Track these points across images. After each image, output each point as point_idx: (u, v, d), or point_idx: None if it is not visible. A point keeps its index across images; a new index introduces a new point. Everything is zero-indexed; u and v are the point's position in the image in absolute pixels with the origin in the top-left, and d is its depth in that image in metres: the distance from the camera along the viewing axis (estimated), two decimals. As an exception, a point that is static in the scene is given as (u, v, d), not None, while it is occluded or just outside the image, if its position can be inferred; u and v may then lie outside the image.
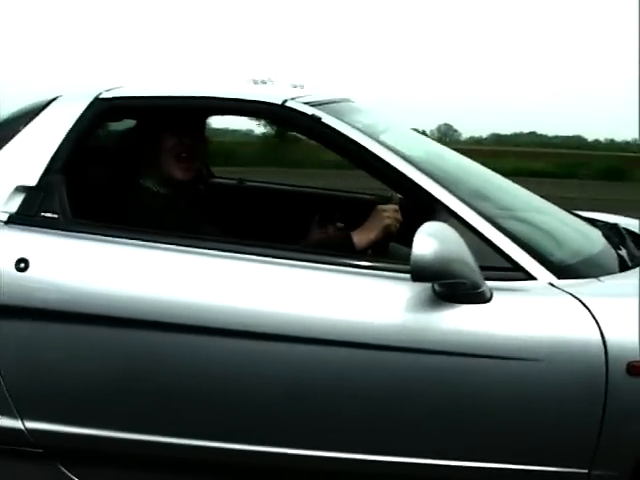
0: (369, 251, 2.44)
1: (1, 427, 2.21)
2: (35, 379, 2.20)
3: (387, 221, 2.36)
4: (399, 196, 2.51)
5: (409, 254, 2.42)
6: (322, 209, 2.94)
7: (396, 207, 2.39)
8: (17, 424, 2.21)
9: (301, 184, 3.39)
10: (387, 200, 2.55)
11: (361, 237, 2.35)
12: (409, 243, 2.58)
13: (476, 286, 2.00)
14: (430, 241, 1.94)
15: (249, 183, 3.27)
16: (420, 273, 1.94)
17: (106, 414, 2.18)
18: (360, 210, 2.97)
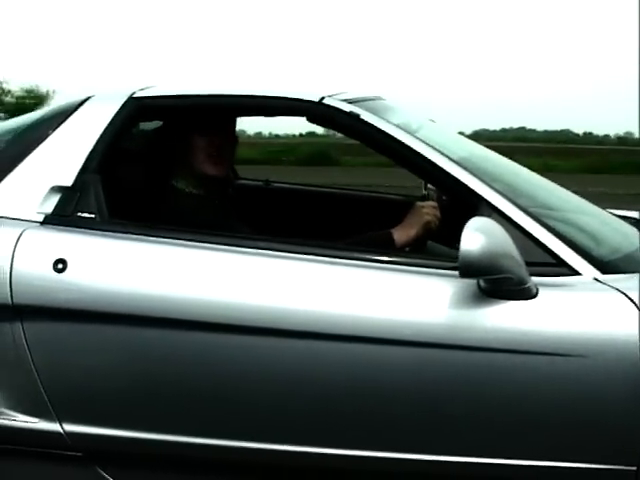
0: (407, 249, 2.42)
1: (40, 430, 2.18)
2: (73, 381, 2.18)
3: (427, 217, 2.33)
4: (434, 194, 2.50)
5: (447, 252, 2.41)
6: (354, 211, 2.93)
7: (435, 204, 2.37)
8: (56, 427, 2.18)
9: (324, 184, 3.37)
10: (422, 199, 2.53)
11: (401, 234, 2.32)
12: (446, 242, 2.58)
13: (522, 282, 1.98)
14: (478, 236, 1.91)
15: (275, 184, 3.25)
16: (468, 269, 1.92)
17: (146, 416, 2.16)
18: (392, 211, 2.97)
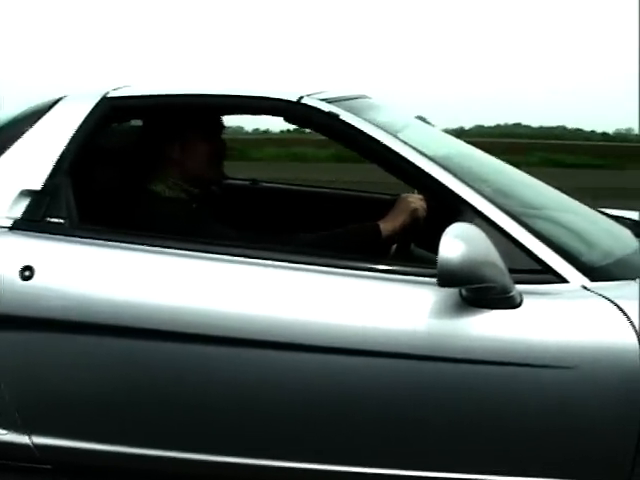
0: (392, 251, 2.34)
1: (8, 443, 2.12)
2: (41, 392, 2.11)
3: (413, 205, 2.26)
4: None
5: (432, 258, 2.32)
6: (340, 209, 2.85)
7: (421, 196, 2.29)
8: (24, 439, 2.12)
9: (314, 183, 3.29)
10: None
11: (388, 224, 2.25)
12: (430, 247, 2.49)
13: (506, 290, 1.90)
14: (458, 244, 1.83)
15: (263, 184, 3.17)
16: (448, 278, 1.83)
17: (116, 428, 2.09)
18: (382, 210, 2.89)
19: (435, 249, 2.51)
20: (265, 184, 3.18)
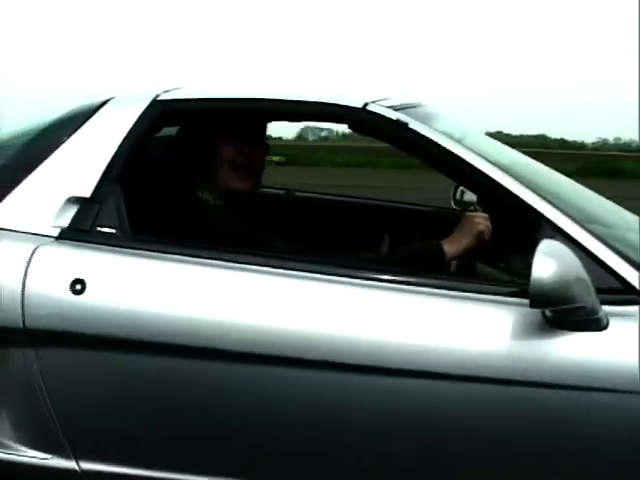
0: (452, 269, 2.23)
1: (53, 467, 1.98)
2: (91, 415, 1.97)
3: (480, 227, 2.14)
4: (478, 208, 2.31)
5: (497, 275, 2.21)
6: (391, 224, 2.74)
7: (486, 215, 2.18)
8: (71, 464, 1.98)
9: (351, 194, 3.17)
10: (466, 211, 2.33)
11: (452, 245, 2.13)
12: (494, 263, 2.39)
13: (594, 311, 1.80)
14: (550, 262, 1.73)
15: (298, 193, 3.05)
16: (541, 298, 1.73)
17: (171, 455, 1.95)
18: (422, 222, 2.77)
19: (494, 264, 2.43)
20: (300, 193, 3.07)
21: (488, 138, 2.59)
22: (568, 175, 2.64)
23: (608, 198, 2.63)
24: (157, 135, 2.30)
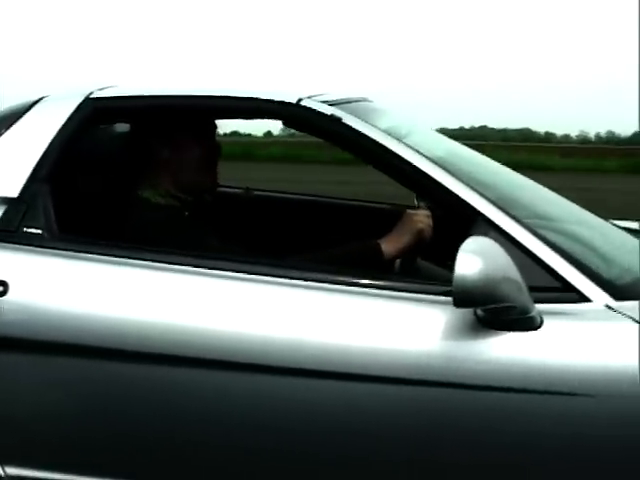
0: (396, 267, 2.18)
1: None
2: (13, 419, 1.92)
3: (420, 225, 2.09)
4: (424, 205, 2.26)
5: (439, 272, 2.16)
6: (338, 219, 2.70)
7: (428, 212, 2.13)
8: None
9: (309, 192, 3.13)
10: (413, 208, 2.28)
11: (390, 244, 2.08)
12: (436, 259, 2.33)
13: (526, 310, 1.74)
14: (475, 260, 1.67)
15: (256, 192, 3.01)
16: (464, 297, 1.67)
17: (94, 459, 1.91)
18: (381, 221, 2.72)
19: (441, 261, 2.37)
20: (259, 192, 3.02)
21: (437, 135, 2.54)
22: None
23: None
24: (95, 133, 2.27)
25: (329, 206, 2.96)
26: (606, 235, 2.38)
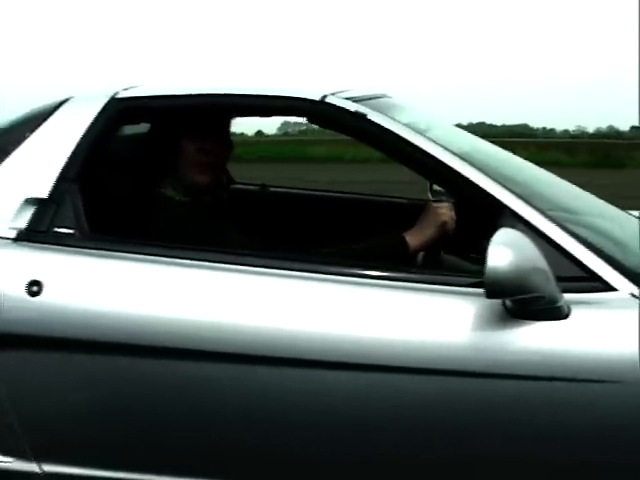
0: (419, 260, 2.21)
1: (15, 471, 1.96)
2: (52, 417, 1.95)
3: (444, 218, 2.12)
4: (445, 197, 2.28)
5: (462, 265, 2.18)
6: (355, 215, 2.72)
7: (450, 205, 2.15)
8: (33, 467, 1.96)
9: (322, 188, 3.15)
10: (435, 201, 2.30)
11: (415, 237, 2.10)
12: (457, 251, 2.36)
13: (554, 300, 1.77)
14: (506, 251, 1.70)
15: (272, 188, 3.03)
16: (496, 288, 1.70)
17: (134, 456, 1.94)
18: (398, 215, 2.75)
19: (462, 254, 2.40)
20: (274, 189, 3.04)
21: (456, 129, 2.57)
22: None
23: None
24: (120, 133, 2.29)
25: (344, 201, 2.98)
26: (624, 225, 2.42)
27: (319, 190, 3.07)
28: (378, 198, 2.98)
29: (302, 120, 2.24)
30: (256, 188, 3.02)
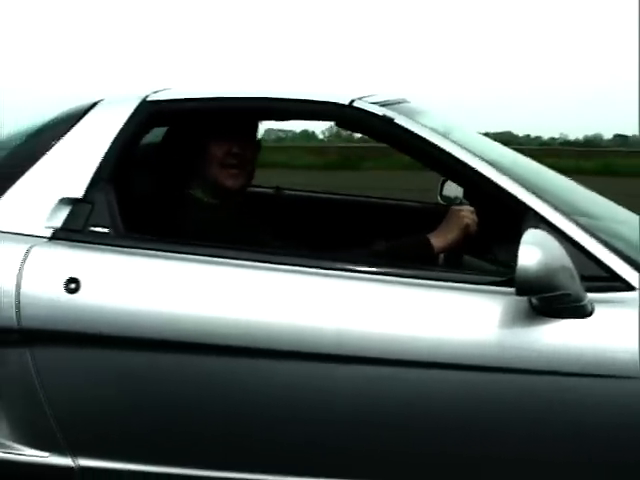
0: (440, 261, 2.27)
1: (50, 465, 2.00)
2: (87, 412, 2.00)
3: (466, 221, 2.18)
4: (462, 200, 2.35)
5: (483, 266, 2.25)
6: (378, 220, 2.78)
7: (472, 208, 2.22)
8: (68, 462, 2.00)
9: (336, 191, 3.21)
10: (450, 205, 2.37)
11: (440, 239, 2.16)
12: (480, 254, 2.43)
13: (579, 298, 1.84)
14: (535, 251, 1.77)
15: (286, 191, 3.08)
16: (526, 286, 1.77)
17: (168, 450, 1.98)
18: (410, 218, 2.82)
19: (480, 254, 2.47)
20: (289, 192, 3.10)
21: (473, 132, 2.64)
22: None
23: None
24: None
25: (356, 204, 3.04)
26: (635, 227, 2.49)
27: (332, 193, 3.13)
28: (391, 201, 3.04)
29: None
30: (271, 191, 3.07)
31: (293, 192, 3.10)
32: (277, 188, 3.08)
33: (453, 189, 2.84)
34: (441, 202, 3.02)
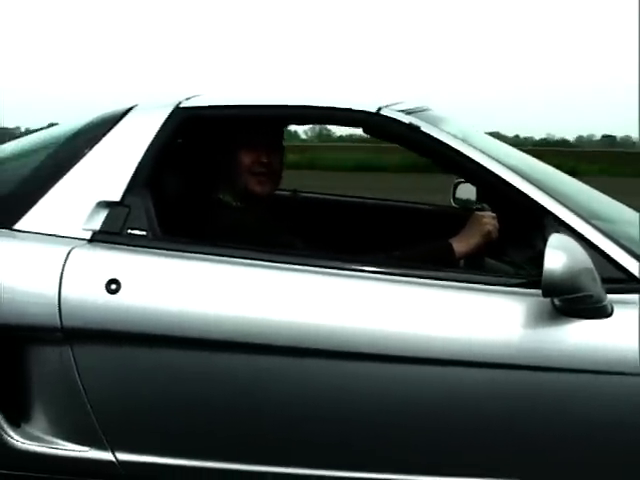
0: (461, 264, 2.35)
1: (91, 459, 2.08)
2: (126, 408, 2.07)
3: (488, 227, 2.25)
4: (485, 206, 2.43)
5: (504, 268, 2.33)
6: (396, 223, 2.86)
7: (493, 214, 2.30)
8: (108, 456, 2.08)
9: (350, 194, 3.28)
10: (471, 210, 2.45)
11: (462, 244, 2.23)
12: (498, 257, 2.51)
13: (600, 300, 1.93)
14: (560, 254, 1.86)
15: (303, 194, 3.15)
16: (552, 288, 1.86)
17: (203, 444, 2.06)
18: (426, 221, 2.90)
19: (499, 258, 2.55)
20: (306, 194, 3.17)
21: (490, 138, 2.72)
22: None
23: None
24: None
25: (372, 207, 3.11)
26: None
27: (348, 196, 3.20)
28: (407, 205, 3.11)
29: None
30: (288, 194, 3.14)
31: (309, 195, 3.17)
32: (294, 191, 3.15)
33: (466, 192, 2.92)
34: (454, 205, 3.10)
